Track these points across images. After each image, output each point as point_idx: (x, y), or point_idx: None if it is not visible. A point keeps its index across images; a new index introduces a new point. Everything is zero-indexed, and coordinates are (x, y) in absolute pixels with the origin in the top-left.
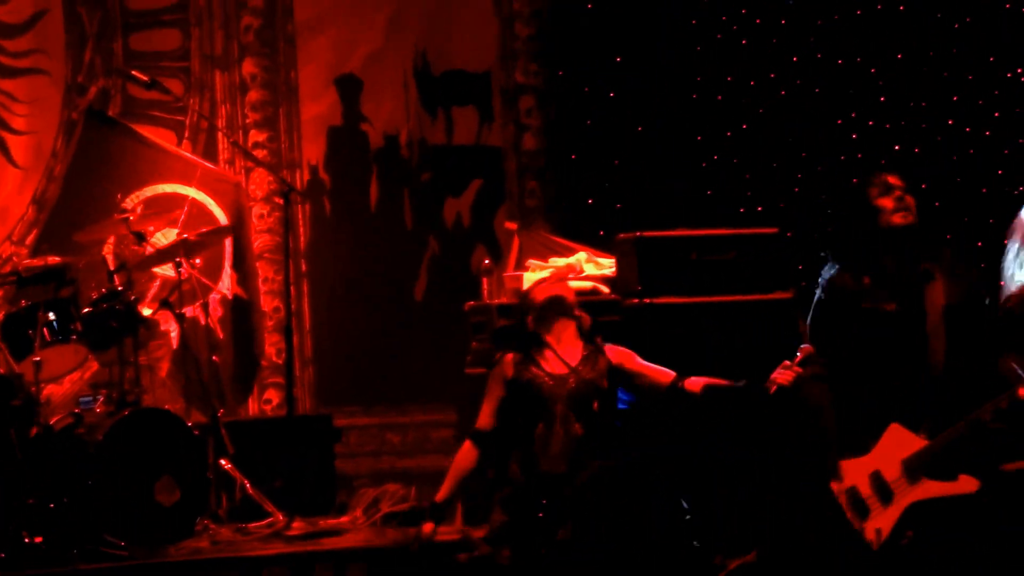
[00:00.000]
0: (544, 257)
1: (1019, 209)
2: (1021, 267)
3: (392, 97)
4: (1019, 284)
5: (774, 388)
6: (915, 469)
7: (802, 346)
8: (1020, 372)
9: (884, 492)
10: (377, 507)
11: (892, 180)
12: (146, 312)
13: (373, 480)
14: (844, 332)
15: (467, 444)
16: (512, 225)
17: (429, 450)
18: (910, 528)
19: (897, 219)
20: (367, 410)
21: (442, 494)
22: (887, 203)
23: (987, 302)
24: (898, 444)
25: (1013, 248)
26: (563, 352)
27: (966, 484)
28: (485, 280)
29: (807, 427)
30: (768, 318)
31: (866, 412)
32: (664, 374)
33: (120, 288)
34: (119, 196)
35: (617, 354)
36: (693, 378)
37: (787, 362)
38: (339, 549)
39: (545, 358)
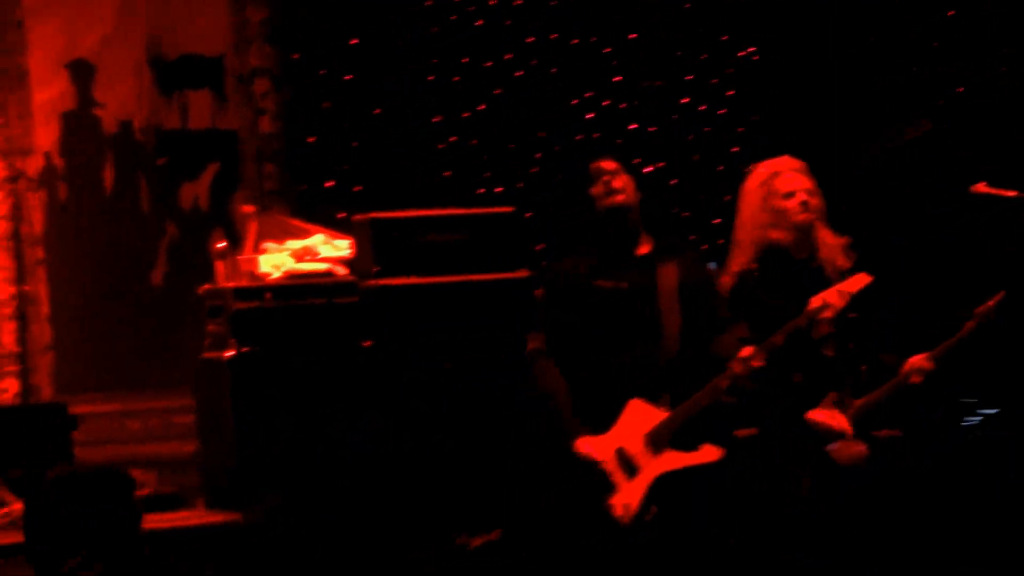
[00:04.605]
0: (281, 240)
1: None
2: None
3: (126, 82)
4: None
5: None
6: (658, 442)
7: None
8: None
9: (629, 467)
10: None
11: (600, 166)
12: None
13: None
14: (577, 312)
15: None
16: (249, 208)
17: (171, 436)
18: (656, 499)
19: (606, 203)
20: (108, 397)
21: None
22: (597, 189)
23: (713, 277)
24: (639, 419)
25: None
26: None
27: (709, 453)
28: (220, 263)
29: (543, 406)
30: (504, 297)
31: (605, 390)
32: None
33: None
34: None
35: None
36: None
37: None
38: None
39: None
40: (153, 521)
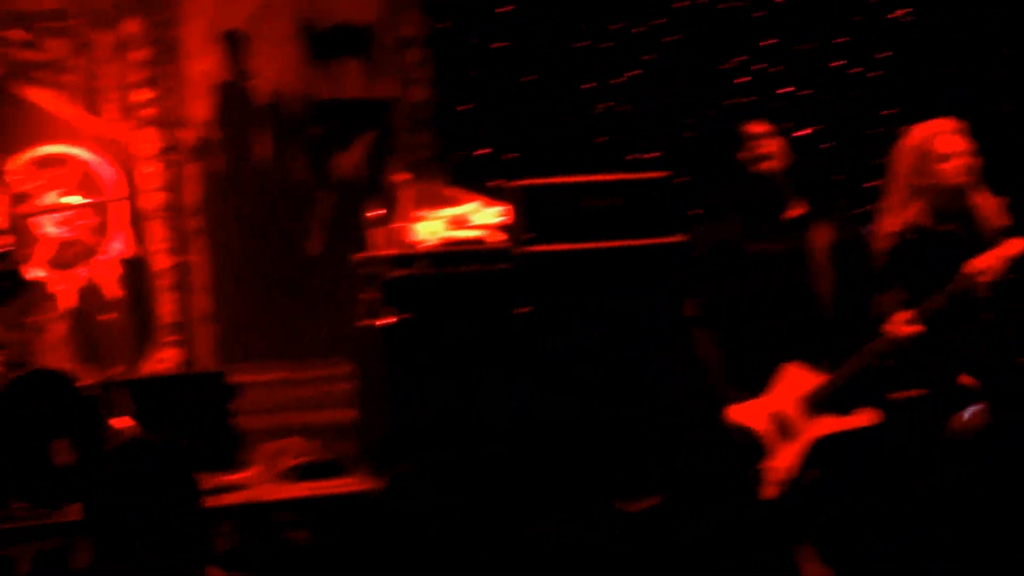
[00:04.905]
0: (434, 207)
1: None
2: None
3: (278, 52)
4: None
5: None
6: (815, 405)
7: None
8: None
9: (785, 430)
10: (278, 461)
11: (750, 129)
12: (34, 273)
13: (273, 435)
14: (730, 277)
15: None
16: (402, 177)
17: (329, 404)
18: (815, 463)
19: (760, 168)
20: (266, 366)
21: None
22: (747, 153)
23: (866, 240)
24: (795, 382)
25: None
26: None
27: (865, 416)
28: (375, 232)
29: (698, 374)
30: (659, 263)
31: (759, 354)
32: None
33: (6, 249)
34: (4, 157)
35: None
36: None
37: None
38: (242, 503)
39: None
40: (311, 488)
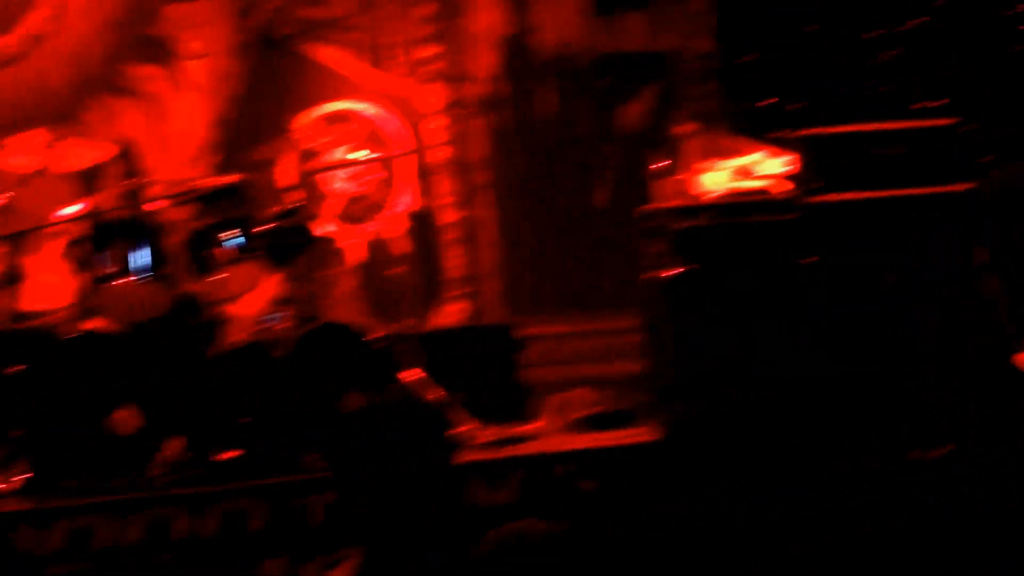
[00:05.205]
0: (719, 158)
1: None
2: None
3: (561, 6)
4: None
5: None
6: None
7: None
8: None
9: None
10: (566, 412)
11: None
12: (323, 229)
13: (561, 387)
14: (1020, 222)
15: None
16: (687, 128)
17: (616, 356)
18: None
19: None
20: (552, 318)
21: None
22: None
23: None
24: None
25: None
26: None
27: None
28: (660, 184)
29: (982, 321)
30: (946, 211)
31: None
32: None
33: (296, 205)
34: (292, 115)
35: None
36: None
37: None
38: (532, 454)
39: None
40: (599, 439)
